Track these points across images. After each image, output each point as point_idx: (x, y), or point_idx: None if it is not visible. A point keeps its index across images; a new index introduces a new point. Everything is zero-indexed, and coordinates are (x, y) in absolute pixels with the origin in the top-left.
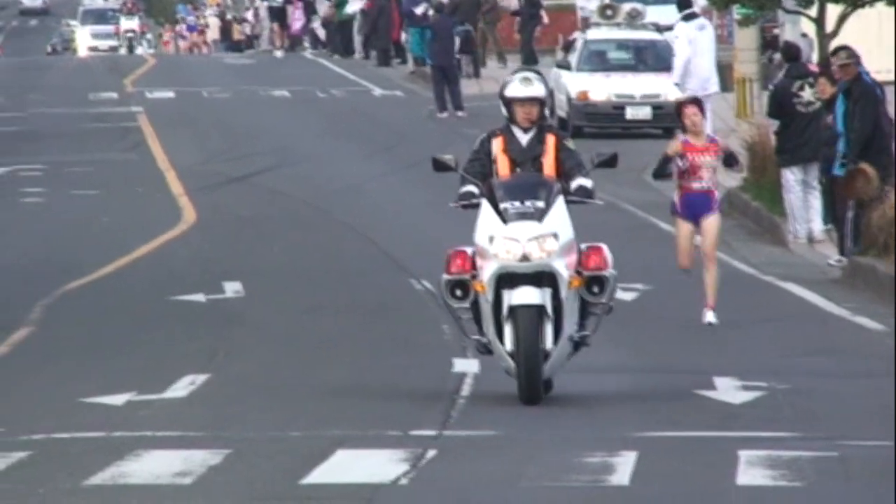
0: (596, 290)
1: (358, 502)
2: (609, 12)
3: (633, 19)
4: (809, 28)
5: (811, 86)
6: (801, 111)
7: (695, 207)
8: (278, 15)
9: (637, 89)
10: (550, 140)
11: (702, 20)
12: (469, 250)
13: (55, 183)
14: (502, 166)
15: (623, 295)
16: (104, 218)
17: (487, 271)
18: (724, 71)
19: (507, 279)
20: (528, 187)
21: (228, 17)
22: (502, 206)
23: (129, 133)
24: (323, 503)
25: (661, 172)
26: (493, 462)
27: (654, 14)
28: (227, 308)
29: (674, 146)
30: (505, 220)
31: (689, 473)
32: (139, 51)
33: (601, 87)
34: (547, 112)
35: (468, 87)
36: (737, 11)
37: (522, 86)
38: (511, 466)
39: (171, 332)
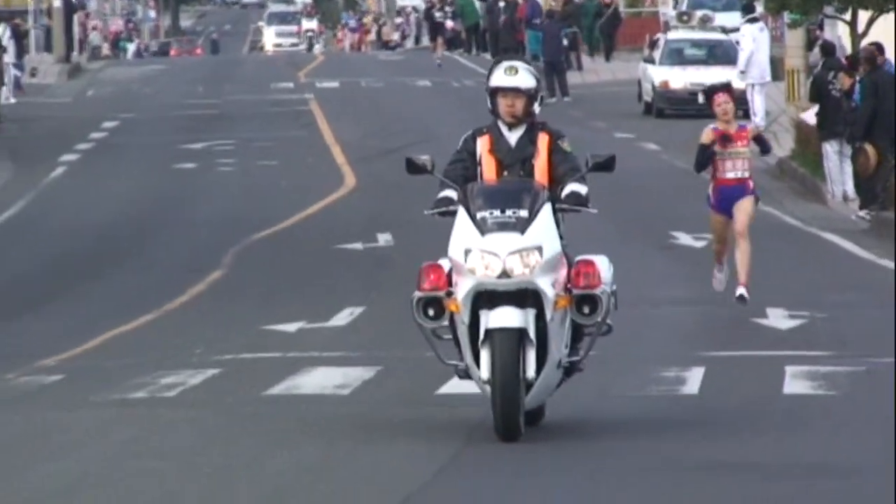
0: (587, 310)
1: (479, 407)
2: (685, 17)
3: (705, 23)
4: (843, 30)
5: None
6: (835, 96)
7: (730, 200)
8: (437, 29)
9: (708, 79)
10: (543, 140)
11: (762, 23)
12: (445, 264)
13: (243, 155)
14: (488, 169)
15: (694, 243)
16: (282, 182)
17: (463, 289)
18: (777, 64)
19: (485, 298)
20: (508, 194)
21: (381, 21)
22: (479, 215)
23: (302, 115)
24: (453, 409)
25: (702, 163)
26: (586, 377)
27: (721, 19)
28: (379, 254)
29: (707, 134)
30: (482, 232)
31: (746, 385)
32: (316, 49)
33: (679, 78)
34: (536, 108)
35: (572, 77)
36: (787, 16)
37: (507, 75)
38: (602, 380)
39: (334, 274)
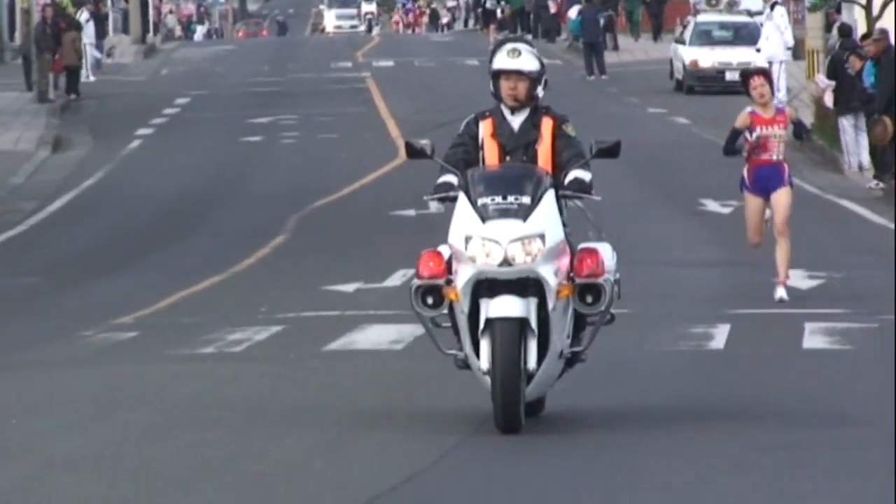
0: (590, 299)
1: None
2: (713, 1)
3: (731, 6)
4: (859, 14)
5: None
6: (850, 74)
7: (765, 181)
8: (490, 17)
9: (734, 58)
10: (547, 124)
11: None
12: (445, 251)
13: (306, 129)
14: (490, 153)
15: (721, 210)
16: (342, 154)
17: (463, 277)
18: (798, 44)
19: (485, 286)
20: (511, 180)
21: (434, 5)
22: (481, 201)
23: (360, 92)
24: None
25: (731, 148)
26: (620, 333)
27: (747, 2)
28: (430, 220)
29: (742, 119)
30: (484, 219)
31: (768, 340)
32: (375, 31)
33: (707, 57)
34: (540, 91)
35: (609, 57)
36: (808, 0)
37: (509, 57)
38: (636, 335)
39: (389, 238)
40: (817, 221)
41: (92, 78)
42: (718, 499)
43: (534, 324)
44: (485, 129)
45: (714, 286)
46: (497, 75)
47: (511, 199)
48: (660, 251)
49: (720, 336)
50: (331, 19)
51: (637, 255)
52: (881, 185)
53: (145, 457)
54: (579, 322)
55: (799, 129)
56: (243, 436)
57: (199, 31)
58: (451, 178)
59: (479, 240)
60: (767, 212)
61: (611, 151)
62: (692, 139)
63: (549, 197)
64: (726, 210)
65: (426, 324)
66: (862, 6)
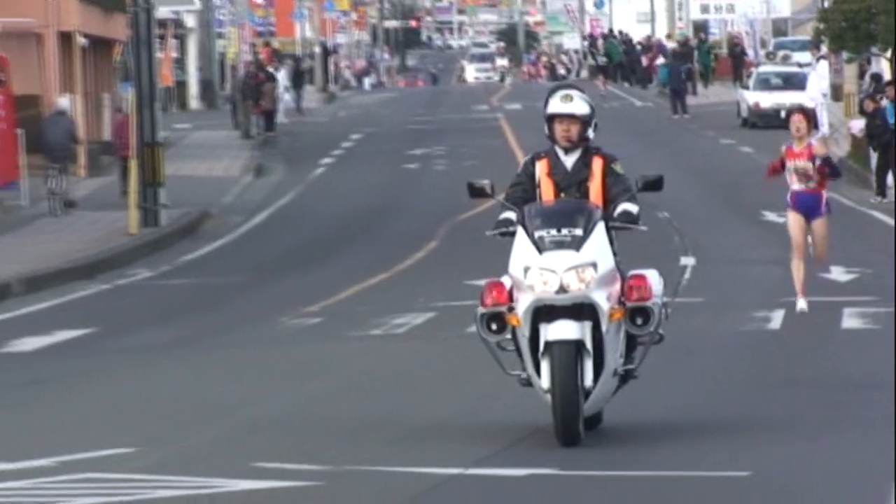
0: (640, 321)
1: None
2: (771, 55)
3: (785, 60)
4: (885, 64)
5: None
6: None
7: (803, 206)
8: (601, 70)
9: (788, 100)
10: (597, 163)
11: None
12: (506, 281)
13: (452, 158)
14: (546, 191)
15: (779, 220)
16: (482, 178)
17: (523, 304)
18: (837, 89)
19: (544, 312)
20: (564, 214)
21: (553, 60)
22: (537, 234)
23: (494, 130)
24: None
25: (773, 171)
26: (699, 316)
27: (798, 56)
28: None
29: (781, 151)
30: (540, 250)
31: (815, 321)
32: (507, 81)
33: (767, 99)
34: (590, 133)
35: (690, 100)
36: (845, 54)
37: (563, 102)
38: (710, 318)
39: None
40: (853, 228)
41: (285, 120)
42: (774, 451)
43: (589, 345)
44: (541, 168)
45: (772, 280)
46: (551, 119)
47: (565, 231)
48: (729, 252)
49: (777, 319)
50: (471, 71)
51: (711, 255)
52: (883, 200)
53: (326, 417)
54: (630, 342)
55: (830, 169)
56: (402, 399)
57: (368, 82)
58: (511, 215)
59: (536, 269)
60: (810, 237)
61: (654, 185)
62: (754, 164)
63: (600, 229)
64: (782, 219)
65: (491, 347)
66: (887, 59)
